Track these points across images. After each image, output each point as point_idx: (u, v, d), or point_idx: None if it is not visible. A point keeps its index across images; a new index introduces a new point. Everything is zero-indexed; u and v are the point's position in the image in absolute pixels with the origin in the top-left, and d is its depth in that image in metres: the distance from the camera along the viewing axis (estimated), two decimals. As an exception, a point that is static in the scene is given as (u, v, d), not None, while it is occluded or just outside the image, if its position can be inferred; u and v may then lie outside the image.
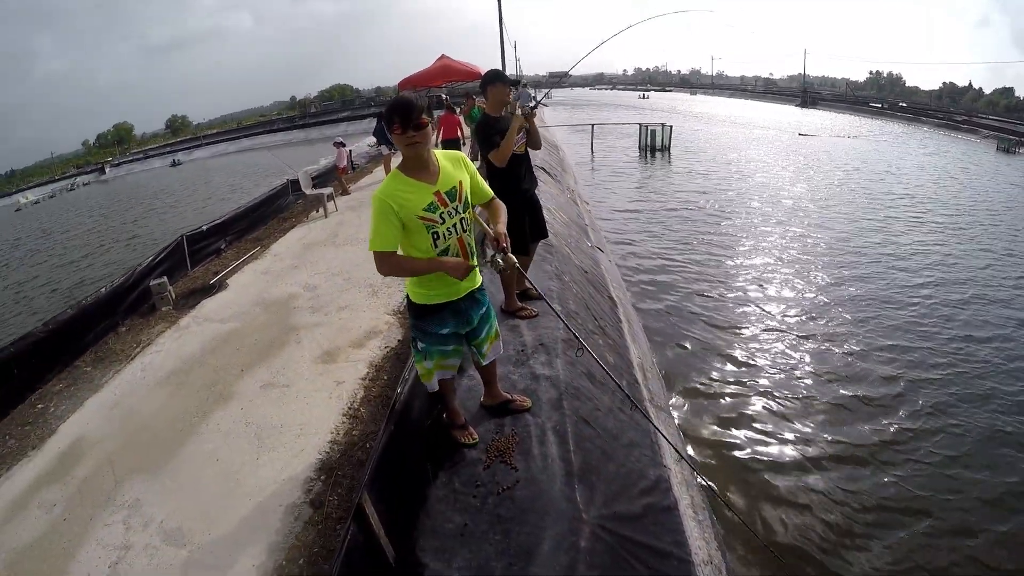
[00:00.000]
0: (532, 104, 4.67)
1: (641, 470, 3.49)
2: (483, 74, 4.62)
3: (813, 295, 9.58)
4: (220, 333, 5.86)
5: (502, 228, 2.94)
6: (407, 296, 3.04)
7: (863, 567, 4.32)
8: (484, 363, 3.35)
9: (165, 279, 7.00)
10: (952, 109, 56.66)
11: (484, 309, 3.15)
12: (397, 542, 2.84)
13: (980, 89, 78.70)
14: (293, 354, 5.23)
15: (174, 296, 6.98)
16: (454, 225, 2.81)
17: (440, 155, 2.85)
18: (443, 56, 18.02)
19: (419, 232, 2.71)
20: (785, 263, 11.18)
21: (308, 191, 11.54)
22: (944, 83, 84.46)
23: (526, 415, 3.67)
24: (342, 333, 5.57)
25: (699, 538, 3.36)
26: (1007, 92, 71.39)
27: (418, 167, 2.73)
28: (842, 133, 38.03)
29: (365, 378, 4.73)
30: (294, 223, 10.59)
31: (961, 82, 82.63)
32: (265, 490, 3.53)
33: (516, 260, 2.92)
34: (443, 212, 2.75)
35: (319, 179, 13.62)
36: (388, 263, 2.69)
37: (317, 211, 11.00)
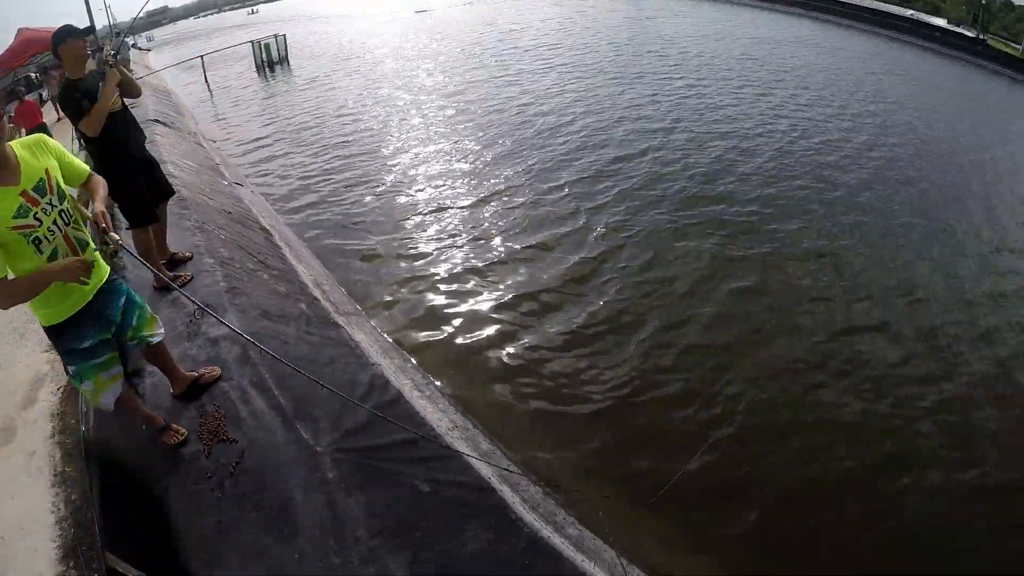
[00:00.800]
0: (114, 52, 3.93)
1: (353, 378, 3.69)
2: (51, 36, 3.90)
3: (471, 162, 10.11)
4: None
5: (99, 206, 2.55)
6: (39, 322, 2.61)
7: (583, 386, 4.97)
8: (154, 342, 3.04)
9: None
10: None
11: (123, 298, 2.82)
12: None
13: None
14: (-37, 455, 4.55)
15: None
16: (54, 222, 2.39)
17: (16, 146, 2.35)
18: (21, 29, 14.94)
19: (18, 245, 2.26)
20: (428, 138, 11.58)
21: None
22: None
23: (220, 384, 3.56)
24: (6, 400, 4.85)
25: (435, 411, 3.70)
26: None
27: None
28: (456, 3, 39.33)
29: (53, 434, 4.17)
30: None
31: None
32: None
33: (119, 238, 2.52)
34: (36, 212, 2.31)
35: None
36: (2, 295, 2.24)
37: None
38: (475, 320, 5.91)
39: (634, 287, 6.26)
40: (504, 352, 5.39)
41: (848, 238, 7.52)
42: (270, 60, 24.42)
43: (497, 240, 7.44)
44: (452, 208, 8.52)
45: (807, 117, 12.47)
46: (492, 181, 9.21)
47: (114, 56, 3.93)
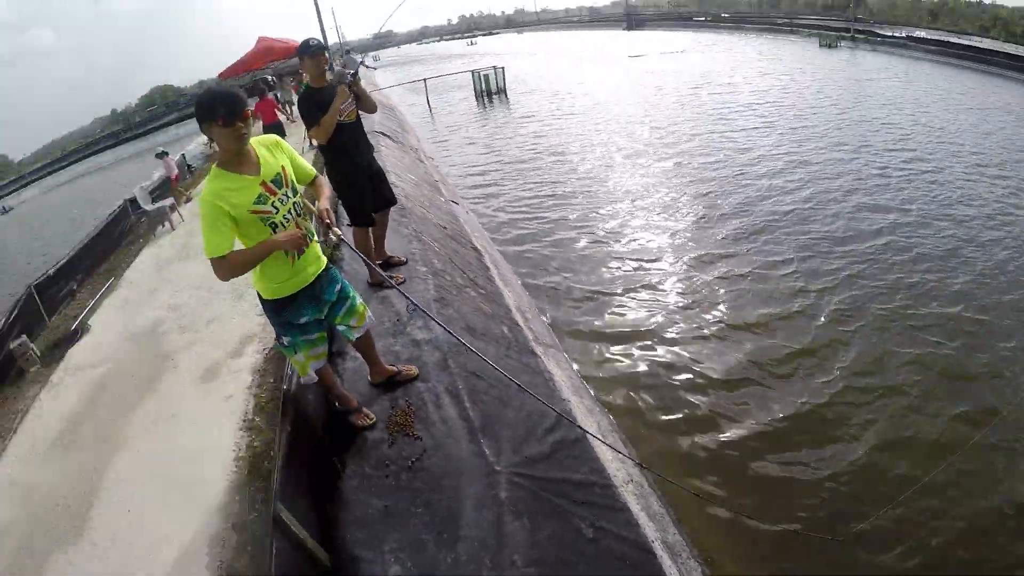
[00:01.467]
0: (352, 72, 4.45)
1: (541, 409, 3.61)
2: (296, 48, 4.42)
3: (685, 219, 9.68)
4: (95, 379, 5.46)
5: (323, 204, 2.87)
6: (258, 294, 2.93)
7: (767, 468, 4.56)
8: (354, 338, 3.28)
9: (24, 338, 6.37)
10: (772, 13, 59.61)
11: (339, 286, 3.10)
12: (325, 542, 2.82)
13: None
14: (174, 381, 4.97)
15: (39, 353, 6.41)
16: (288, 211, 2.71)
17: (256, 143, 2.70)
18: (261, 38, 17.11)
19: (255, 227, 2.59)
20: (645, 189, 11.35)
21: (148, 207, 10.75)
22: None
23: (416, 383, 3.70)
24: (217, 347, 5.32)
25: (614, 460, 3.55)
26: None
27: (239, 161, 2.57)
28: (670, 50, 39.35)
29: (251, 386, 4.57)
30: (142, 244, 9.83)
31: None
32: (185, 527, 3.37)
33: (341, 234, 2.86)
34: (274, 201, 2.64)
35: (157, 191, 12.76)
36: (224, 266, 2.53)
37: (163, 226, 10.29)
38: (670, 386, 5.58)
39: (854, 392, 5.45)
40: (694, 429, 4.99)
41: None
42: (488, 90, 25.93)
43: (708, 308, 6.93)
44: (663, 265, 8.18)
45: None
46: (709, 243, 8.67)
47: (353, 76, 4.39)
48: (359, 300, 3.25)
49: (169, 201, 10.65)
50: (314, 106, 4.21)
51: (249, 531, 3.23)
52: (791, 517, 4.15)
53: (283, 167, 2.73)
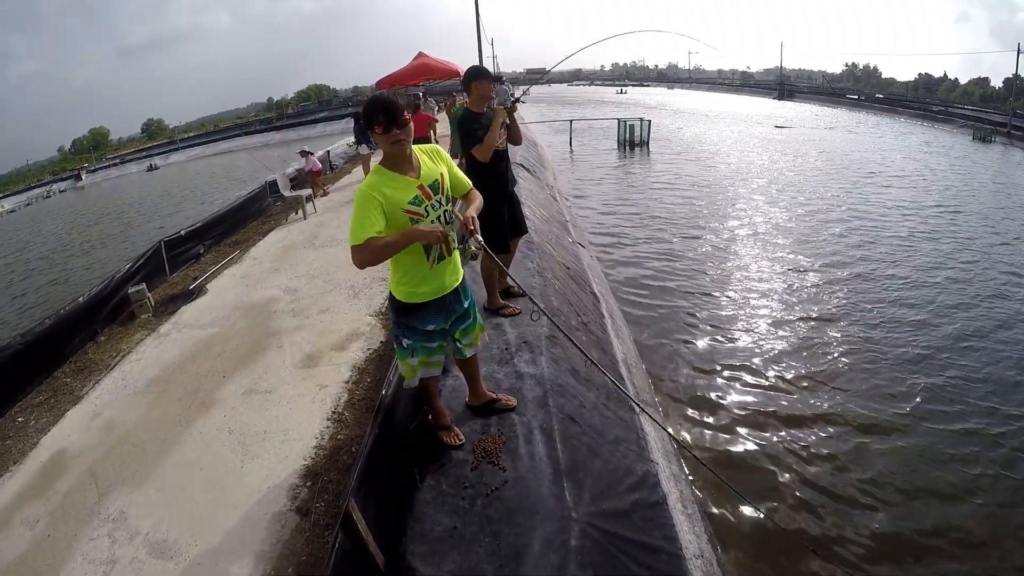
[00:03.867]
0: (513, 99, 4.63)
1: (628, 466, 3.51)
2: (463, 71, 4.62)
3: (800, 292, 9.29)
4: (200, 339, 5.81)
5: (471, 212, 2.93)
6: (390, 294, 3.03)
7: (854, 555, 4.25)
8: (466, 356, 3.33)
9: (144, 286, 6.92)
10: (928, 100, 57.16)
11: (467, 303, 3.17)
12: (386, 547, 2.83)
13: (956, 80, 78.14)
14: (275, 359, 5.20)
15: (153, 303, 6.91)
16: (438, 218, 2.83)
17: (418, 149, 2.87)
18: (421, 54, 17.83)
19: (404, 226, 2.70)
20: (770, 258, 10.98)
21: (286, 193, 11.47)
22: (920, 74, 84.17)
23: (512, 414, 3.67)
24: (323, 336, 5.55)
25: (689, 532, 3.38)
26: (982, 82, 70.87)
27: (400, 162, 2.74)
28: (818, 125, 38.12)
29: (348, 381, 4.72)
30: (273, 225, 10.52)
31: (937, 73, 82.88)
32: (251, 498, 3.50)
33: (482, 242, 2.93)
34: (427, 205, 2.78)
35: (297, 181, 13.58)
36: (364, 250, 2.57)
37: (296, 213, 10.93)
38: (757, 442, 5.47)
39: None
40: (774, 513, 4.69)
41: None
42: (632, 140, 25.96)
43: (807, 374, 6.72)
44: (774, 328, 7.96)
45: None
46: (816, 317, 8.30)
47: (514, 102, 4.58)
48: (480, 320, 3.32)
49: (307, 191, 11.34)
50: (477, 126, 4.40)
51: (312, 518, 3.30)
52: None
53: (441, 174, 2.89)
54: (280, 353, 5.30)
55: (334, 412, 4.30)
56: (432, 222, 2.78)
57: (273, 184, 12.37)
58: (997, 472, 5.19)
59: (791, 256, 10.98)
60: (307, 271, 7.47)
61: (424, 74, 17.46)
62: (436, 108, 19.46)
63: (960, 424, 5.83)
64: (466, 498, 3.06)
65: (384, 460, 3.19)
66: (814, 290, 9.26)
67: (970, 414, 6.00)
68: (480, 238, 2.87)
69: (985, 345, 7.53)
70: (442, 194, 2.87)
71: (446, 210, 2.89)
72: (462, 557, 2.76)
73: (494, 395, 3.76)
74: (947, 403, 6.18)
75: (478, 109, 4.50)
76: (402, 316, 3.00)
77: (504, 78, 4.74)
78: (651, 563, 2.86)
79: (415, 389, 3.30)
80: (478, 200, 3.10)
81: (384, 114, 2.57)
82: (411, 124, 2.71)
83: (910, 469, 5.20)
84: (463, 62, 17.83)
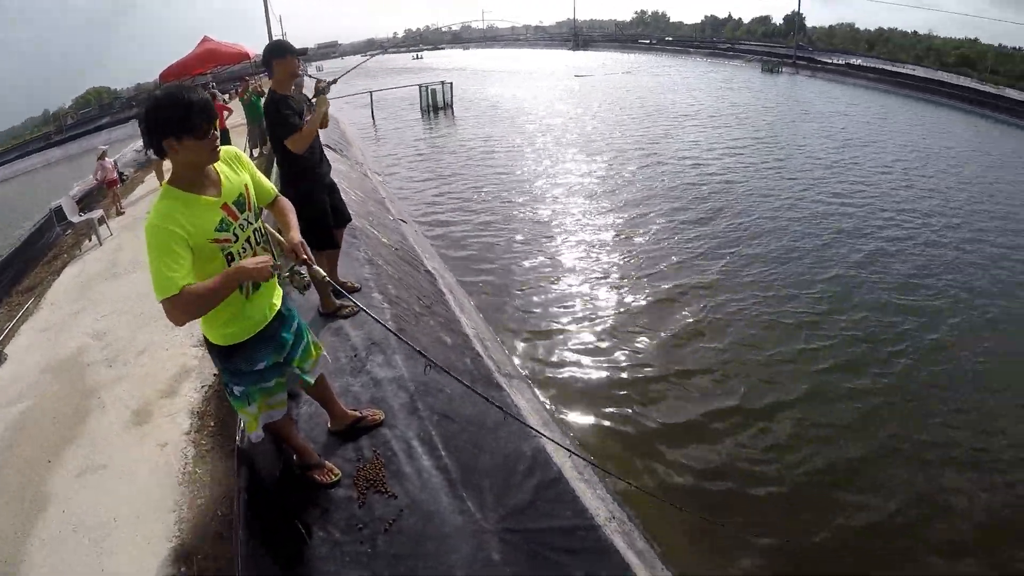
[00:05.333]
0: (331, 80, 4.21)
1: (516, 449, 3.38)
2: (255, 54, 4.03)
3: (634, 236, 9.71)
4: (13, 420, 4.83)
5: (296, 236, 2.48)
6: (205, 338, 2.46)
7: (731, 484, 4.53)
8: (311, 381, 2.86)
9: None
10: (715, 39, 61.89)
11: (295, 324, 2.67)
12: None
13: (740, 19, 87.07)
14: (100, 423, 4.45)
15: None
16: (247, 240, 2.30)
17: None
18: (205, 38, 15.95)
19: (212, 258, 2.16)
20: (592, 199, 11.44)
21: (75, 218, 9.93)
22: (706, 16, 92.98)
23: (382, 430, 3.36)
24: (148, 382, 4.82)
25: (593, 498, 3.35)
26: (764, 20, 79.71)
27: (198, 178, 2.15)
28: (616, 70, 40.57)
29: (190, 431, 4.12)
30: (66, 260, 9.04)
31: (721, 14, 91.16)
32: None
33: (322, 272, 2.52)
34: (235, 228, 2.23)
35: (86, 201, 11.88)
36: (182, 306, 1.97)
37: (89, 239, 9.52)
38: (624, 389, 5.57)
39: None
40: (663, 443, 4.93)
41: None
42: (435, 105, 25.65)
43: (653, 314, 7.04)
44: (610, 271, 8.26)
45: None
46: (655, 254, 8.85)
47: (328, 84, 4.16)
48: (313, 337, 2.85)
49: (97, 213, 9.85)
50: (289, 111, 3.82)
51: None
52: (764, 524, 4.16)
53: (246, 186, 2.32)
54: (104, 415, 4.56)
55: (184, 473, 3.74)
56: (242, 247, 2.26)
57: (59, 211, 10.64)
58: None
59: (618, 205, 11.43)
60: (113, 307, 6.51)
61: (212, 60, 15.72)
62: (239, 95, 17.71)
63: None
64: (364, 541, 2.71)
65: (262, 521, 2.79)
66: (660, 236, 9.71)
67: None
68: (318, 270, 2.47)
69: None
70: (249, 210, 2.32)
71: (256, 228, 2.36)
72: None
73: (357, 413, 3.38)
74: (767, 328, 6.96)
75: (285, 90, 3.91)
76: (225, 362, 2.46)
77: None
78: (572, 546, 2.78)
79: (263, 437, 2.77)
80: (292, 214, 2.57)
81: (204, 112, 2.01)
82: (215, 134, 2.13)
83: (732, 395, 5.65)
84: (250, 44, 16.12)
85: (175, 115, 1.97)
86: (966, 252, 9.09)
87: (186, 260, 2.01)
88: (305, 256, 2.43)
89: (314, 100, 4.10)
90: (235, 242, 2.23)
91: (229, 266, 2.19)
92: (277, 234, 2.61)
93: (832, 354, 6.20)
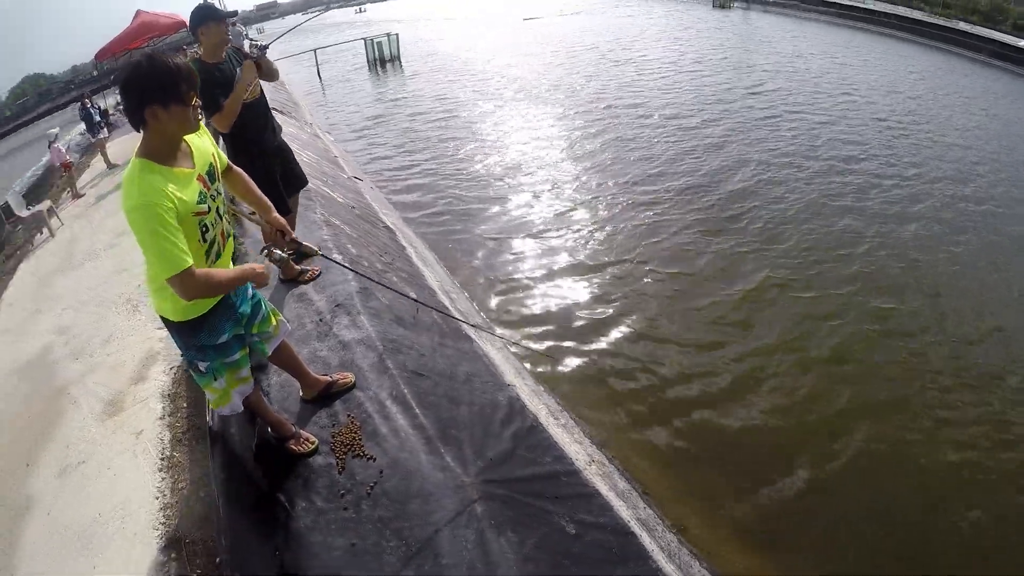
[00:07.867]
0: (262, 44, 3.85)
1: (492, 399, 3.39)
2: (191, 15, 3.74)
3: (594, 173, 9.86)
4: None
5: (277, 216, 2.45)
6: (163, 319, 2.33)
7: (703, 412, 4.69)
8: (269, 351, 2.76)
9: None
10: None
11: (250, 291, 2.58)
12: None
13: None
14: (74, 420, 4.35)
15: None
16: (217, 210, 2.20)
17: None
18: (139, 12, 15.22)
19: (192, 234, 2.06)
20: (563, 161, 11.18)
21: (23, 213, 9.58)
22: None
23: (355, 392, 3.29)
24: (117, 372, 4.70)
25: (572, 442, 3.38)
26: None
27: (175, 150, 2.05)
28: (566, 12, 39.77)
29: (163, 416, 4.01)
30: (20, 257, 8.77)
31: None
32: None
33: (317, 249, 2.53)
34: (208, 200, 2.13)
35: (34, 192, 11.46)
36: (194, 283, 1.96)
37: (41, 233, 9.22)
38: (593, 329, 5.65)
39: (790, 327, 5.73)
40: (632, 382, 5.03)
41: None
42: (382, 58, 25.03)
43: (612, 242, 7.26)
44: (568, 213, 8.32)
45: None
46: (610, 190, 8.98)
47: (261, 49, 3.80)
48: (269, 304, 2.74)
49: (46, 204, 9.48)
50: (214, 86, 3.51)
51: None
52: (747, 471, 4.25)
53: (213, 155, 2.22)
54: (78, 410, 4.46)
55: (162, 459, 3.68)
56: (214, 218, 2.16)
57: (6, 207, 10.25)
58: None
59: (576, 155, 11.37)
60: (74, 300, 6.32)
61: (147, 32, 15.02)
62: None
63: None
64: (348, 507, 2.67)
65: (244, 499, 2.76)
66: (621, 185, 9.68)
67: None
68: (313, 247, 2.48)
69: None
70: (218, 180, 2.22)
71: (223, 197, 2.27)
72: (375, 572, 2.43)
73: (328, 378, 3.30)
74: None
75: (213, 59, 3.61)
76: (188, 337, 2.33)
77: (234, 20, 3.89)
78: (556, 492, 2.81)
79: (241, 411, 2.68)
80: (253, 184, 2.52)
81: (189, 80, 1.91)
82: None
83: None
84: (187, 12, 15.42)
85: (163, 82, 1.88)
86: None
87: (182, 234, 1.95)
88: (292, 237, 2.42)
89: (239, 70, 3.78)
90: (208, 213, 2.13)
91: (204, 238, 2.14)
92: (248, 216, 2.57)
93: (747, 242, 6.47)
